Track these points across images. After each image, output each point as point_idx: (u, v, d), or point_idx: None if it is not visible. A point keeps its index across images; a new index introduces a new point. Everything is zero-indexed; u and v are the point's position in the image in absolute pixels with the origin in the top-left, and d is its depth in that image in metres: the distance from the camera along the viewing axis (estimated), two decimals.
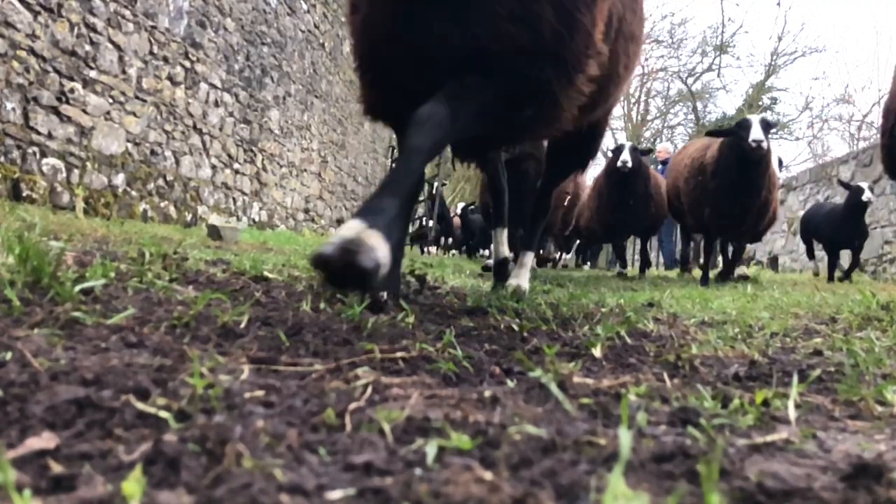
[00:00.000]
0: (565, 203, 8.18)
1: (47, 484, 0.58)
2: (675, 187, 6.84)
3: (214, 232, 5.30)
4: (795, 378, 1.13)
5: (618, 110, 30.84)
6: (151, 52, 6.83)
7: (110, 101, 6.23)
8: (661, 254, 12.71)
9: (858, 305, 2.88)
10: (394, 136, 2.72)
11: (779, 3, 36.80)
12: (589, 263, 13.66)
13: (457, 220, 15.64)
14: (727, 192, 5.74)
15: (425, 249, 13.42)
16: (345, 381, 0.98)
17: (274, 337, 1.27)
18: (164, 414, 0.75)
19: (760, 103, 25.14)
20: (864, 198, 7.30)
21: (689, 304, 3.09)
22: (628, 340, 1.63)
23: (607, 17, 2.02)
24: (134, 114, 6.58)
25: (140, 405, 0.77)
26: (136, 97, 6.62)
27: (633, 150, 7.01)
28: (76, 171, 5.83)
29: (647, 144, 22.15)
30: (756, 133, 5.30)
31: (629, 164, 6.84)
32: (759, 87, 25.53)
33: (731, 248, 6.83)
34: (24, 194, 5.20)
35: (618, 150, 7.11)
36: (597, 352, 1.43)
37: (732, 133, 5.58)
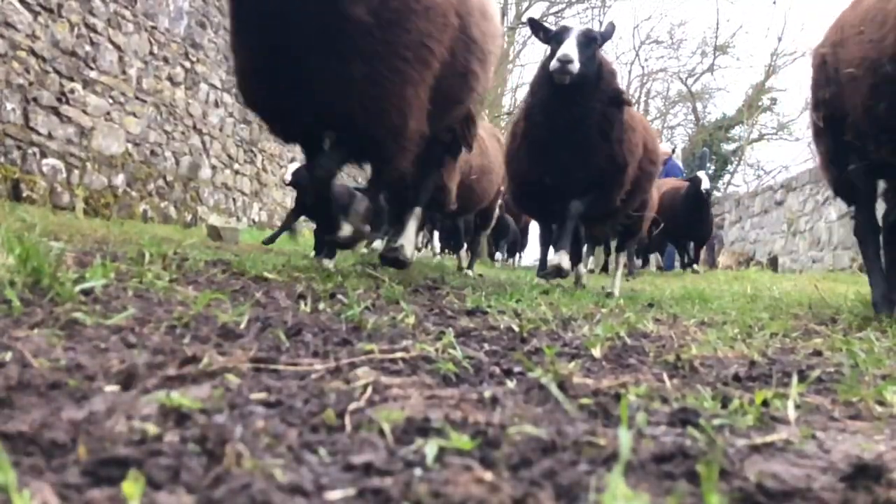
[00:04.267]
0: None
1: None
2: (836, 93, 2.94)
3: (214, 232, 5.30)
4: (795, 378, 1.13)
5: None
6: (151, 53, 6.83)
7: (110, 101, 6.23)
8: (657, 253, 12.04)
9: (858, 306, 2.88)
10: None
11: (774, 2, 36.91)
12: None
13: None
14: None
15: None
16: (345, 381, 0.98)
17: (274, 337, 1.27)
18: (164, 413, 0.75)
19: (760, 103, 25.12)
20: None
21: (689, 304, 3.09)
22: (628, 340, 1.63)
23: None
24: (134, 114, 6.59)
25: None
26: (136, 97, 6.62)
27: (587, 42, 3.45)
28: (76, 172, 5.82)
29: None
30: None
31: (574, 67, 3.30)
32: (759, 87, 25.51)
33: None
34: (25, 195, 5.19)
35: (557, 39, 3.49)
36: (597, 352, 1.43)
37: None
